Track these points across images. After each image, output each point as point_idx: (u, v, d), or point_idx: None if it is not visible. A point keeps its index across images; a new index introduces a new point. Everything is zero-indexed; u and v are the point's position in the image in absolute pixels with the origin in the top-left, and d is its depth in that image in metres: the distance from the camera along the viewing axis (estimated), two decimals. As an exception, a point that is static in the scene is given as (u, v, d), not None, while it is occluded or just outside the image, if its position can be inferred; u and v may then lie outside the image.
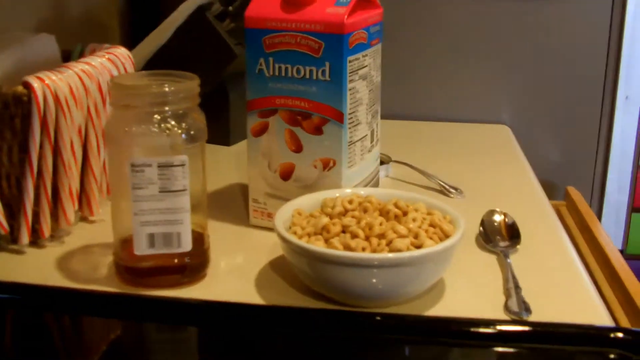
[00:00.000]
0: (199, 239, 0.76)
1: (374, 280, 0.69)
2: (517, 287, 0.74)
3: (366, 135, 0.88)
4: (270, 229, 0.80)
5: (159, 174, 0.71)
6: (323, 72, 0.82)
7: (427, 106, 1.43)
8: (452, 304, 0.73)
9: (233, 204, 0.96)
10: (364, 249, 0.70)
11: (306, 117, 0.83)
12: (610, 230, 1.46)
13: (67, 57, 0.97)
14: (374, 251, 0.70)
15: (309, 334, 0.70)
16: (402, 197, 0.78)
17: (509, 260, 0.80)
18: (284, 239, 0.72)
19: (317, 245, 0.70)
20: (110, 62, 0.91)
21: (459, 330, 0.68)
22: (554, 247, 0.87)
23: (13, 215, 0.81)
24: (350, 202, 0.77)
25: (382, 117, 0.95)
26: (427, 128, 1.38)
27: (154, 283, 0.75)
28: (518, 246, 0.84)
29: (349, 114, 0.83)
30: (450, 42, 1.40)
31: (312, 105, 0.83)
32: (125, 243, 0.75)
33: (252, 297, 0.74)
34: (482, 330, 0.68)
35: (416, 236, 0.71)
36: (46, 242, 0.84)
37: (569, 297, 0.75)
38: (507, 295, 0.73)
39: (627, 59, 1.38)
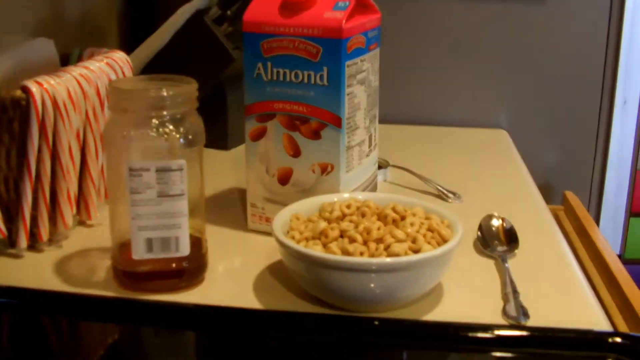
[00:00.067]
0: (197, 243, 0.76)
1: (372, 285, 0.69)
2: (515, 292, 0.74)
3: (364, 139, 0.88)
4: (268, 234, 0.80)
5: (157, 178, 0.71)
6: (321, 77, 0.82)
7: (425, 111, 1.43)
8: (450, 309, 0.73)
9: (231, 209, 0.96)
10: (361, 254, 0.70)
11: (304, 122, 0.84)
12: (608, 235, 1.46)
13: (65, 60, 0.97)
14: (371, 256, 0.70)
15: (307, 338, 0.70)
16: (400, 202, 0.78)
17: (507, 265, 0.80)
18: (282, 244, 0.72)
19: (315, 250, 0.70)
20: (109, 66, 0.91)
21: (457, 335, 0.68)
22: (552, 252, 0.87)
23: (11, 219, 0.81)
24: (348, 206, 0.77)
25: (380, 122, 0.95)
26: (425, 132, 1.38)
27: (151, 287, 0.75)
28: (516, 251, 0.84)
29: (347, 118, 0.83)
30: (447, 46, 1.40)
31: (310, 109, 0.83)
32: (123, 247, 0.75)
33: (249, 301, 0.74)
34: (480, 335, 0.68)
35: (414, 241, 0.71)
36: (44, 246, 0.84)
37: (567, 301, 0.75)
38: (505, 300, 0.73)
39: (625, 63, 1.38)
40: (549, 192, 1.43)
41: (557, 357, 0.67)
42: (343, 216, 0.76)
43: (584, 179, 1.44)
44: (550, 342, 0.67)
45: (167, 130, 0.72)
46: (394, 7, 1.37)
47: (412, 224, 0.73)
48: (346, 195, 0.82)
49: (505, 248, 0.85)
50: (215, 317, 0.72)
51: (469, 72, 1.41)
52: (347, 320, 0.70)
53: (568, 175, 1.44)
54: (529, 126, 1.42)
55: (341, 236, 0.73)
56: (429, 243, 0.72)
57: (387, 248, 0.70)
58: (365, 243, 0.71)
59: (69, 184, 0.83)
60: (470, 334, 0.68)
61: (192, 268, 0.76)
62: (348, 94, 0.83)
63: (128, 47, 1.12)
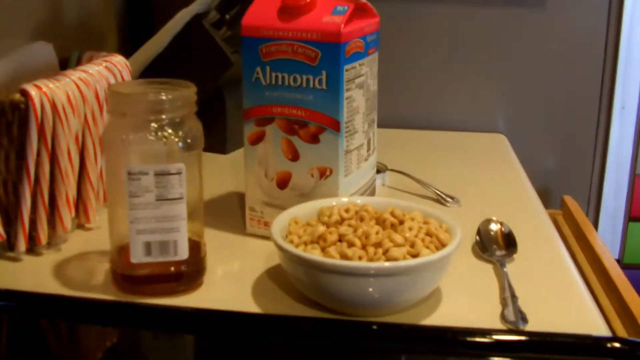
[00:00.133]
0: (196, 247, 0.76)
1: (370, 289, 0.69)
2: (513, 297, 0.74)
3: (363, 143, 0.88)
4: (267, 238, 0.80)
5: (155, 182, 0.71)
6: (320, 81, 0.82)
7: (423, 115, 1.44)
8: (449, 313, 0.73)
9: (229, 212, 0.96)
10: (360, 258, 0.70)
11: (303, 126, 0.84)
12: (607, 240, 1.46)
13: (64, 64, 0.97)
14: (370, 260, 0.70)
15: (306, 342, 0.70)
16: (399, 206, 0.78)
17: (505, 270, 0.80)
18: (280, 248, 0.72)
19: (314, 254, 0.70)
20: (108, 70, 0.91)
21: (455, 340, 0.68)
22: (550, 257, 0.87)
23: (10, 222, 0.81)
24: (347, 210, 0.77)
25: (379, 126, 0.95)
26: (424, 137, 1.39)
27: (150, 291, 0.75)
28: (514, 255, 0.84)
29: (346, 122, 0.83)
30: (446, 50, 1.40)
31: (308, 113, 0.83)
32: (122, 251, 0.75)
33: (248, 305, 0.74)
34: (478, 339, 0.68)
35: (412, 245, 0.71)
36: (43, 249, 0.84)
37: (565, 306, 0.75)
38: (504, 305, 0.73)
39: (624, 68, 1.38)
40: (547, 197, 1.43)
41: (556, 362, 0.67)
42: (342, 220, 0.76)
43: (583, 184, 1.45)
44: (548, 347, 0.67)
45: (165, 134, 0.72)
46: (393, 11, 1.37)
47: (410, 229, 0.73)
48: (345, 199, 0.82)
49: (503, 252, 0.85)
50: (214, 320, 0.72)
51: (467, 76, 1.41)
52: (345, 324, 0.70)
53: (566, 179, 1.44)
54: (528, 131, 1.42)
55: (340, 240, 0.73)
56: (427, 247, 0.72)
57: (385, 252, 0.70)
58: (363, 247, 0.71)
59: (68, 188, 0.83)
60: (469, 339, 0.68)
61: (191, 272, 0.76)
62: (347, 98, 0.83)
63: (127, 51, 1.12)
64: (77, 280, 0.78)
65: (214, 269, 0.80)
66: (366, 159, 0.90)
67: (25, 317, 0.74)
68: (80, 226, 0.91)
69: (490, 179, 1.15)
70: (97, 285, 0.77)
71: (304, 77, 0.82)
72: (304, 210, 0.80)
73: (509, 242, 0.86)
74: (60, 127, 0.81)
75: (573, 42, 1.37)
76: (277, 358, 0.70)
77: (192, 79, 0.76)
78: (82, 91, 0.84)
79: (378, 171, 1.01)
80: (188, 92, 0.74)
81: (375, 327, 0.70)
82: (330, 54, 0.81)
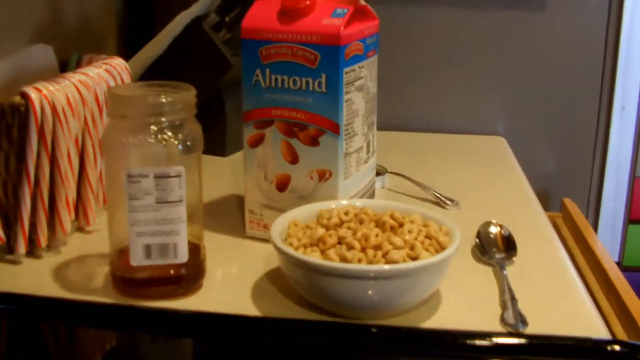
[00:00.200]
0: (195, 249, 0.76)
1: (370, 292, 0.69)
2: (513, 299, 0.74)
3: (362, 146, 0.88)
4: (266, 240, 0.80)
5: (155, 184, 0.71)
6: (319, 84, 0.82)
7: (423, 117, 1.44)
8: (448, 316, 0.73)
9: (229, 215, 0.96)
10: (359, 261, 0.70)
11: (302, 129, 0.84)
12: (606, 242, 1.46)
13: (64, 67, 0.97)
14: (369, 263, 0.70)
15: (305, 345, 0.70)
16: (398, 209, 0.78)
17: (505, 272, 0.80)
18: (280, 250, 0.72)
19: (313, 257, 0.70)
20: (107, 72, 0.91)
21: (455, 342, 0.68)
22: (550, 259, 0.87)
23: (10, 224, 0.81)
24: (346, 213, 0.77)
25: (378, 129, 0.95)
26: (424, 139, 1.39)
27: (150, 294, 0.75)
28: (514, 258, 0.84)
29: (345, 125, 0.83)
30: (446, 53, 1.40)
31: (308, 116, 0.83)
32: (122, 253, 0.75)
33: (247, 308, 0.74)
34: (478, 342, 0.68)
35: (412, 248, 0.71)
36: (43, 252, 0.84)
37: (565, 309, 0.75)
38: (503, 307, 0.73)
39: (623, 70, 1.38)
40: (547, 199, 1.43)
41: (555, 365, 0.67)
42: (341, 223, 0.76)
43: (582, 186, 1.45)
44: (548, 350, 0.67)
45: (165, 136, 0.72)
46: (392, 14, 1.37)
47: (410, 231, 0.73)
48: (344, 202, 0.82)
49: (503, 255, 0.85)
50: (213, 323, 0.72)
51: (467, 78, 1.41)
52: (345, 327, 0.70)
53: (566, 182, 1.44)
54: (527, 133, 1.42)
55: (339, 243, 0.73)
56: (427, 250, 0.72)
57: (385, 255, 0.70)
58: (363, 250, 0.71)
59: (68, 190, 0.83)
60: (469, 342, 0.68)
61: (190, 274, 0.76)
62: (346, 101, 0.83)
63: (126, 54, 1.12)
64: (76, 283, 0.78)
65: (213, 271, 0.80)
66: (366, 162, 0.90)
67: (24, 319, 0.74)
68: (80, 229, 0.91)
69: (489, 181, 1.15)
70: (96, 288, 0.77)
71: (304, 79, 0.82)
72: (304, 212, 0.80)
73: (509, 245, 0.86)
74: (60, 129, 0.81)
75: (573, 44, 1.38)
76: (277, 361, 0.70)
77: (191, 82, 0.76)
78: (81, 94, 0.85)
79: (377, 174, 1.01)
80: (188, 94, 0.74)
81: (374, 329, 0.70)
82: (330, 56, 0.81)
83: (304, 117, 0.83)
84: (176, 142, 0.72)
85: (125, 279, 0.75)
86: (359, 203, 0.81)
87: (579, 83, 1.39)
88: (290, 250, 0.71)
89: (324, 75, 0.81)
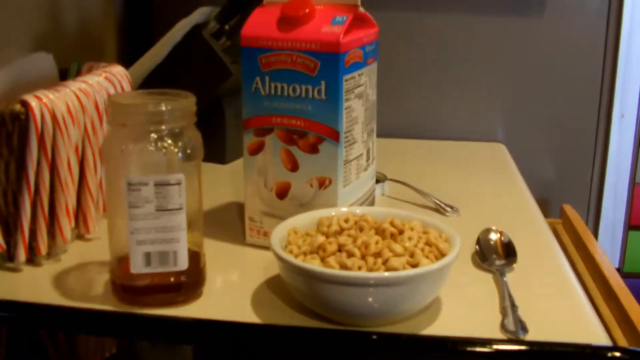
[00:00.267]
0: (195, 257, 0.76)
1: (370, 299, 0.69)
2: (513, 306, 0.74)
3: (362, 153, 0.88)
4: (266, 248, 0.80)
5: (155, 192, 0.71)
6: (319, 91, 0.82)
7: (422, 124, 1.44)
8: (448, 323, 0.73)
9: (229, 223, 0.96)
10: (360, 268, 0.70)
11: (302, 136, 0.84)
12: (606, 249, 1.46)
13: (64, 75, 0.97)
14: (370, 270, 0.70)
15: (305, 353, 0.70)
16: (398, 216, 0.78)
17: (505, 279, 0.80)
18: (280, 258, 0.72)
19: (313, 264, 0.70)
20: (107, 80, 0.91)
21: (455, 350, 0.68)
22: (550, 266, 0.87)
23: (10, 232, 0.81)
24: (346, 220, 0.77)
25: (378, 136, 0.95)
26: (423, 146, 1.39)
27: (150, 301, 0.75)
28: (514, 265, 0.84)
29: (345, 132, 0.83)
30: (445, 59, 1.41)
31: (308, 123, 0.83)
32: (122, 261, 0.75)
33: (247, 315, 0.74)
34: (478, 349, 0.68)
35: (412, 255, 0.71)
36: (43, 259, 0.84)
37: (565, 316, 0.75)
38: (504, 314, 0.73)
39: (623, 76, 1.38)
40: (547, 206, 1.43)
41: (556, 372, 0.67)
42: (341, 230, 0.76)
43: (582, 193, 1.45)
44: (549, 357, 0.67)
45: (165, 144, 0.72)
46: (392, 21, 1.37)
47: (410, 238, 0.73)
48: (344, 209, 0.82)
49: (503, 262, 0.85)
50: (213, 331, 0.72)
51: (466, 85, 1.41)
52: (345, 334, 0.70)
53: (566, 188, 1.44)
54: (527, 140, 1.42)
55: (339, 250, 0.73)
56: (427, 257, 0.72)
57: (385, 262, 0.70)
58: (363, 257, 0.71)
59: (68, 198, 0.83)
60: (469, 349, 0.68)
61: (190, 282, 0.76)
62: (346, 108, 0.83)
63: (126, 62, 1.12)
64: (76, 291, 0.78)
65: (213, 279, 0.80)
66: (365, 169, 0.90)
67: (24, 327, 0.74)
68: (79, 236, 0.91)
69: (489, 188, 1.15)
70: (96, 295, 0.77)
71: (303, 87, 0.82)
72: (304, 220, 0.80)
73: (509, 252, 0.86)
74: (60, 137, 0.81)
75: (572, 50, 1.38)
76: (277, 368, 0.70)
77: (191, 90, 0.76)
78: (81, 102, 0.85)
79: (377, 181, 1.01)
80: (187, 102, 0.74)
81: (374, 337, 0.70)
82: (330, 64, 0.81)
83: (304, 124, 0.83)
84: (176, 150, 0.72)
85: (125, 286, 0.75)
86: (358, 210, 0.81)
87: (578, 90, 1.39)
88: (290, 257, 0.71)
89: (323, 83, 0.81)
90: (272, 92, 0.84)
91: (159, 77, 1.15)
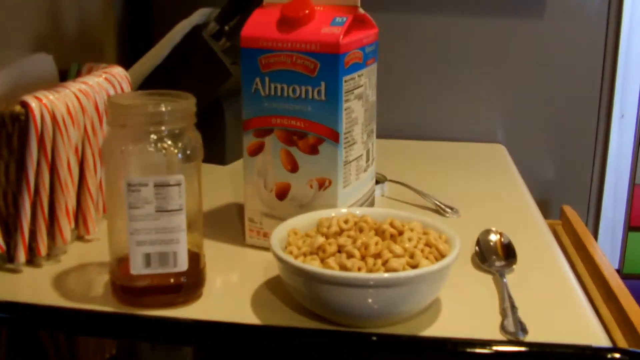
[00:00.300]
0: (195, 258, 0.76)
1: (370, 300, 0.69)
2: (513, 307, 0.74)
3: (362, 154, 0.88)
4: (266, 249, 0.80)
5: (155, 193, 0.71)
6: (319, 92, 0.82)
7: (422, 125, 1.44)
8: (448, 324, 0.73)
9: (229, 224, 0.96)
10: (359, 269, 0.70)
11: (302, 137, 0.84)
12: (606, 250, 1.46)
13: (64, 76, 0.97)
14: (369, 271, 0.70)
15: (305, 354, 0.70)
16: (398, 217, 0.78)
17: (505, 280, 0.80)
18: (279, 259, 0.72)
19: (313, 265, 0.70)
20: (107, 81, 0.91)
21: (455, 350, 0.68)
22: (550, 267, 0.87)
23: (10, 233, 0.81)
24: (346, 221, 0.77)
25: (378, 136, 0.95)
26: (423, 147, 1.39)
27: (149, 302, 0.75)
28: (514, 266, 0.84)
29: (345, 133, 0.83)
30: (445, 61, 1.41)
31: (307, 124, 0.83)
32: (121, 262, 0.75)
33: (247, 316, 0.74)
34: (478, 350, 0.68)
35: (412, 256, 0.71)
36: (42, 260, 0.84)
37: (565, 317, 0.75)
38: (503, 315, 0.73)
39: (622, 77, 1.38)
40: (546, 207, 1.43)
41: (555, 373, 0.67)
42: (341, 231, 0.76)
43: (582, 194, 1.45)
44: (548, 358, 0.67)
45: (165, 145, 0.72)
46: (391, 22, 1.37)
47: (409, 239, 0.73)
48: (344, 210, 0.82)
49: (503, 263, 0.85)
50: (213, 332, 0.72)
51: (466, 86, 1.41)
52: (345, 335, 0.70)
53: (566, 189, 1.44)
54: (527, 141, 1.42)
55: (339, 251, 0.73)
56: (426, 258, 0.72)
57: (384, 263, 0.70)
58: (363, 258, 0.71)
59: (68, 199, 0.83)
60: (469, 350, 0.68)
61: (190, 283, 0.76)
62: (345, 109, 0.83)
63: (126, 63, 1.12)
64: (76, 292, 0.78)
65: (213, 280, 0.80)
66: (365, 170, 0.90)
67: (24, 329, 0.74)
68: (79, 237, 0.91)
69: (489, 189, 1.15)
70: (96, 296, 0.77)
71: (303, 88, 0.82)
72: (303, 221, 0.80)
73: (509, 253, 0.86)
74: (60, 138, 0.81)
75: (572, 51, 1.38)
76: (277, 369, 0.70)
77: (191, 90, 0.76)
78: (81, 102, 0.85)
79: (377, 182, 1.01)
80: (187, 103, 0.74)
81: (374, 338, 0.70)
82: (329, 65, 0.81)
83: (304, 125, 0.83)
84: (176, 151, 0.72)
85: (125, 287, 0.75)
86: (358, 211, 0.81)
87: (578, 90, 1.39)
88: (290, 258, 0.71)
89: (323, 84, 0.81)
90: (272, 93, 0.84)
91: (159, 78, 1.15)
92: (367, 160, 0.91)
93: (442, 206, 1.03)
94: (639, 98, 1.39)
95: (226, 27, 1.17)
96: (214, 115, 1.19)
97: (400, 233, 0.75)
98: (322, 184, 0.84)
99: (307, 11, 0.83)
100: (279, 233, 0.77)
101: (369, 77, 0.88)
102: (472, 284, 0.81)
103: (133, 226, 0.72)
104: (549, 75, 1.39)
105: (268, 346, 0.71)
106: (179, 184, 0.72)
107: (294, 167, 0.85)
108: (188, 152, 0.73)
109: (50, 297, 0.77)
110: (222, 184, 1.12)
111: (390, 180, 1.12)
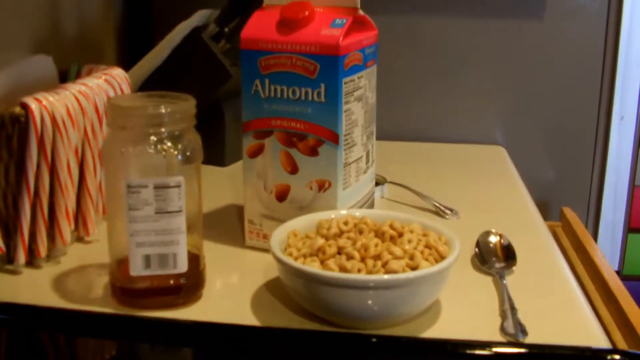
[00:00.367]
0: (195, 259, 0.76)
1: (370, 302, 0.69)
2: (513, 309, 0.74)
3: (361, 156, 0.88)
4: (266, 250, 0.80)
5: (154, 194, 0.71)
6: (318, 94, 0.82)
7: (422, 127, 1.44)
8: (448, 326, 0.73)
9: (228, 225, 0.96)
10: (359, 271, 0.70)
11: (302, 139, 0.84)
12: (606, 251, 1.46)
13: (64, 77, 0.97)
14: (369, 273, 0.70)
15: (305, 355, 0.70)
16: (398, 219, 0.78)
17: (504, 282, 0.80)
18: (279, 260, 0.72)
19: (313, 267, 0.70)
20: (107, 83, 0.91)
21: (455, 352, 0.68)
22: (549, 268, 0.87)
23: (9, 235, 0.81)
24: (346, 223, 0.77)
25: (378, 138, 0.95)
26: (423, 149, 1.39)
27: (149, 304, 0.75)
28: (514, 267, 0.84)
29: (344, 135, 0.83)
30: (444, 62, 1.41)
31: (307, 126, 0.83)
32: (121, 264, 0.75)
33: (247, 318, 0.74)
34: (478, 351, 0.67)
35: (412, 257, 0.71)
36: (42, 262, 0.84)
37: (565, 318, 0.75)
38: (503, 317, 0.73)
39: (622, 79, 1.38)
40: (546, 209, 1.43)
41: (555, 374, 0.67)
42: (340, 233, 0.76)
43: (582, 195, 1.45)
44: (548, 359, 0.67)
45: (165, 147, 0.72)
46: (391, 24, 1.37)
47: (409, 241, 0.73)
48: (343, 212, 0.82)
49: (503, 265, 0.85)
50: (213, 333, 0.72)
51: (466, 88, 1.41)
52: (344, 337, 0.70)
53: (565, 191, 1.44)
54: (526, 142, 1.42)
55: (339, 253, 0.73)
56: (426, 260, 0.72)
57: (384, 265, 0.70)
58: (362, 260, 0.71)
59: (67, 200, 0.84)
60: (468, 351, 0.68)
61: (190, 285, 0.76)
62: (345, 111, 0.83)
63: (126, 64, 1.12)
64: (76, 293, 0.78)
65: (213, 281, 0.80)
66: (365, 172, 0.90)
67: (24, 330, 0.74)
68: (79, 239, 0.91)
69: (489, 191, 1.15)
70: (96, 298, 0.77)
71: (303, 89, 0.82)
72: (303, 222, 0.80)
73: (508, 254, 0.86)
74: (59, 140, 0.81)
75: (571, 53, 1.38)
76: (277, 371, 0.70)
77: (191, 92, 0.76)
78: (81, 104, 0.85)
79: (377, 184, 1.01)
80: (187, 105, 0.74)
81: (374, 339, 0.70)
82: (329, 66, 0.81)
83: (303, 127, 0.83)
84: (176, 153, 0.72)
85: (124, 289, 0.75)
86: (358, 213, 0.81)
87: (578, 92, 1.39)
88: (289, 260, 0.71)
89: (323, 86, 0.81)
90: (272, 94, 0.84)
91: (159, 79, 1.15)
92: (367, 162, 0.91)
93: (442, 208, 1.03)
94: (638, 99, 1.39)
95: (226, 29, 1.17)
96: (213, 117, 1.19)
97: (400, 235, 0.75)
98: (322, 186, 0.84)
99: (306, 13, 0.83)
100: (279, 235, 0.77)
101: (368, 79, 0.88)
102: (472, 285, 0.81)
103: (133, 228, 0.72)
104: (549, 76, 1.39)
105: (268, 348, 0.71)
106: (178, 186, 0.72)
107: (293, 169, 0.85)
108: (188, 153, 0.73)
109: (50, 299, 0.77)
110: (221, 185, 1.12)
111: (390, 182, 1.12)
